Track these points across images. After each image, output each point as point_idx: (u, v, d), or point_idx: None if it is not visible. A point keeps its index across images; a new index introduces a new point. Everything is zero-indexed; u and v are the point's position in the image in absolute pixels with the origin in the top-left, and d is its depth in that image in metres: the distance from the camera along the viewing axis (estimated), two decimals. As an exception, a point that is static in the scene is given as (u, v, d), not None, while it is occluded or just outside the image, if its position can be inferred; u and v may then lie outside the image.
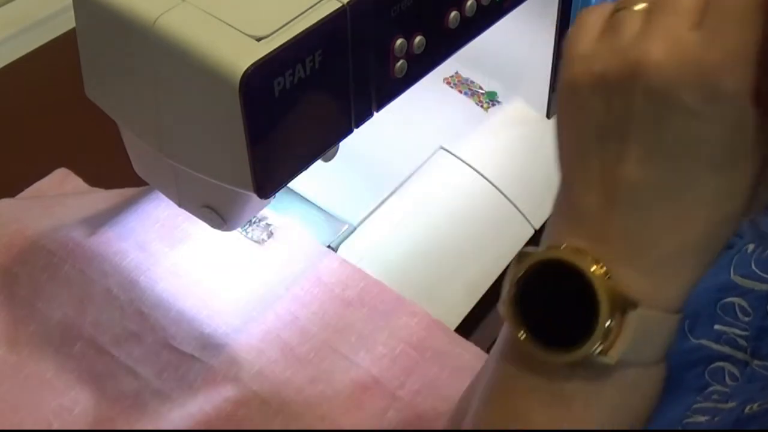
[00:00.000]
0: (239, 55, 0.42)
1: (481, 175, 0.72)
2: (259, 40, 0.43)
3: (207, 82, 0.43)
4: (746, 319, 0.49)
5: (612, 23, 0.34)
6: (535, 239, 0.72)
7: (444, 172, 0.71)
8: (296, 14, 0.45)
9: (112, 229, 0.62)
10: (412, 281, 0.64)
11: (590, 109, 0.34)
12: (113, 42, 0.48)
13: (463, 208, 0.70)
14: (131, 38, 0.46)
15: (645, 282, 0.33)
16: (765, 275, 0.48)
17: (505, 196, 0.71)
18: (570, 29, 0.36)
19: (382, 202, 0.68)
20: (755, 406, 0.44)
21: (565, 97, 0.37)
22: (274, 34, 0.44)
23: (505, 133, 0.76)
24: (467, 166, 0.72)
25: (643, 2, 0.33)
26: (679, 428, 0.47)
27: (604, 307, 0.31)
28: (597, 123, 0.34)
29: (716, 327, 0.50)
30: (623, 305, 0.32)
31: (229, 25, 0.44)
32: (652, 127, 0.31)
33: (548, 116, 0.78)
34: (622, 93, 0.32)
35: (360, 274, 0.62)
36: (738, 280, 0.50)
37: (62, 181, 0.73)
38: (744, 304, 0.49)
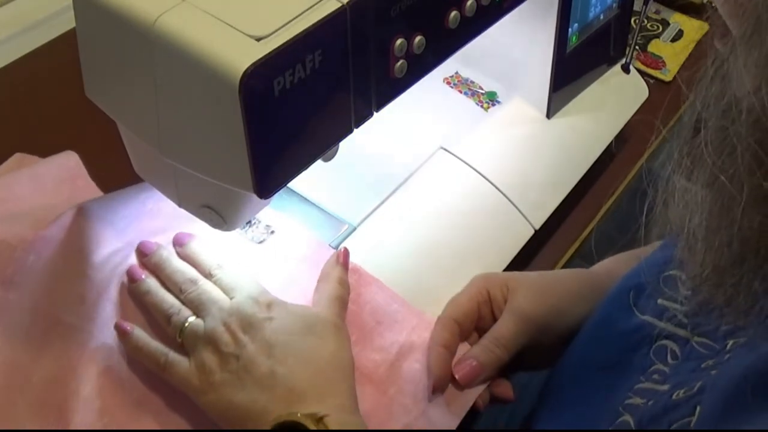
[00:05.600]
0: (239, 55, 0.42)
1: (481, 175, 0.72)
2: (259, 40, 0.43)
3: (207, 82, 0.43)
4: (687, 293, 0.50)
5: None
6: (535, 239, 0.72)
7: (444, 172, 0.71)
8: (296, 14, 0.45)
9: (107, 227, 0.62)
10: (412, 281, 0.64)
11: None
12: (113, 42, 0.48)
13: (463, 208, 0.70)
14: (131, 38, 0.46)
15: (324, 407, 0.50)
16: None
17: (505, 196, 0.71)
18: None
19: (382, 202, 0.68)
20: (681, 392, 0.46)
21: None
22: (274, 34, 0.44)
23: (505, 133, 0.76)
24: (467, 166, 0.72)
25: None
26: (620, 408, 0.50)
27: (309, 424, 0.49)
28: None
29: (659, 301, 0.52)
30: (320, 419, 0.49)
31: (229, 25, 0.44)
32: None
33: (548, 116, 0.78)
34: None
35: (401, 301, 0.62)
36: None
37: (19, 168, 0.72)
38: (684, 277, 0.50)
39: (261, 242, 0.64)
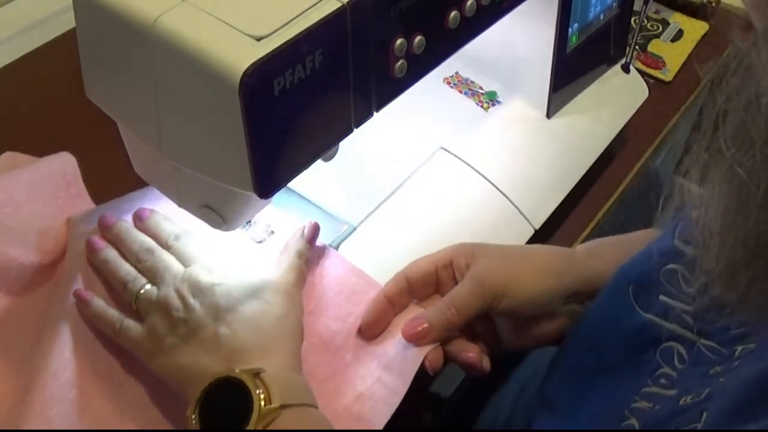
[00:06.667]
0: (239, 55, 0.42)
1: (481, 175, 0.72)
2: (259, 40, 0.43)
3: (207, 82, 0.43)
4: (690, 290, 0.50)
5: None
6: (535, 239, 0.72)
7: (444, 172, 0.71)
8: (296, 14, 0.45)
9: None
10: (412, 281, 0.64)
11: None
12: (113, 42, 0.48)
13: (463, 208, 0.70)
14: (131, 38, 0.46)
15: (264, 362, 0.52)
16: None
17: (505, 196, 0.71)
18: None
19: (382, 202, 0.68)
20: (689, 399, 0.46)
21: None
22: (274, 34, 0.44)
23: (505, 133, 0.76)
24: (467, 166, 0.72)
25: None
26: (625, 411, 0.50)
27: (245, 378, 0.50)
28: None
29: (662, 298, 0.51)
30: (256, 374, 0.50)
31: (229, 25, 0.44)
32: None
33: (548, 116, 0.78)
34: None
35: (360, 273, 0.62)
36: (680, 245, 0.51)
37: (10, 167, 0.73)
38: (686, 273, 0.50)
39: (261, 242, 0.64)
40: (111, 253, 0.60)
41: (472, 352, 0.59)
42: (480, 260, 0.60)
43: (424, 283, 0.61)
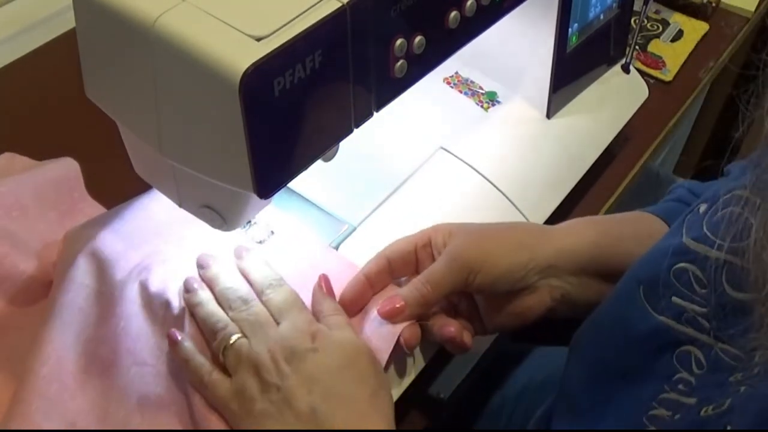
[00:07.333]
0: (239, 55, 0.42)
1: (481, 175, 0.72)
2: (259, 40, 0.43)
3: (207, 82, 0.43)
4: (702, 291, 0.49)
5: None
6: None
7: (444, 172, 0.71)
8: (296, 14, 0.45)
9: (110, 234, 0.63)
10: (412, 281, 0.64)
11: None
12: (113, 42, 0.48)
13: (463, 208, 0.70)
14: (131, 38, 0.46)
15: None
16: (717, 240, 0.49)
17: (505, 196, 0.71)
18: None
19: (382, 202, 0.68)
20: (710, 409, 0.45)
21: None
22: (274, 34, 0.44)
23: (505, 133, 0.76)
24: (467, 166, 0.72)
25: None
26: (644, 419, 0.50)
27: None
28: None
29: (674, 299, 0.51)
30: None
31: (229, 25, 0.44)
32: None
33: (548, 116, 0.78)
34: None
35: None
36: (690, 243, 0.51)
37: (9, 167, 0.74)
38: (699, 273, 0.50)
39: (261, 242, 0.64)
40: (204, 295, 0.58)
41: (452, 327, 0.58)
42: (456, 237, 0.60)
43: (403, 263, 0.61)
